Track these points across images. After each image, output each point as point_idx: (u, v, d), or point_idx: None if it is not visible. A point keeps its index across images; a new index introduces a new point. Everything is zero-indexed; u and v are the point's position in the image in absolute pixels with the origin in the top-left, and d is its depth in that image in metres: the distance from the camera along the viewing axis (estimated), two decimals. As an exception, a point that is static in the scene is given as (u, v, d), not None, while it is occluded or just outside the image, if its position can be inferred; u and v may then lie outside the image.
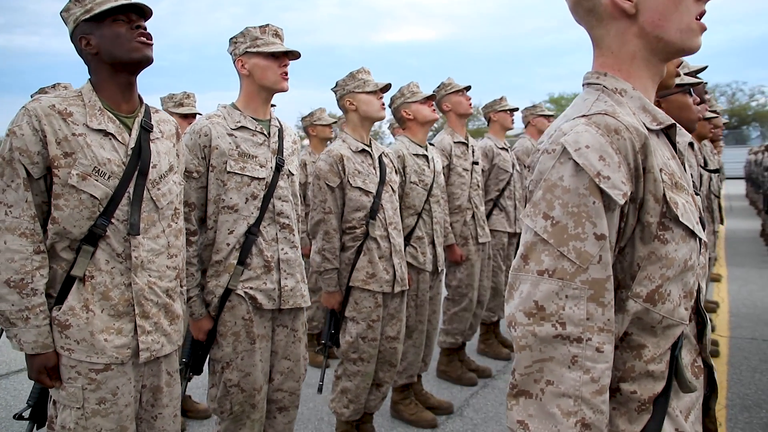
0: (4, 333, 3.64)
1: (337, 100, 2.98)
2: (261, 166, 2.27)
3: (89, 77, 1.79)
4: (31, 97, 3.41)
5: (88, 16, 1.70)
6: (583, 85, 1.20)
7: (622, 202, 0.98)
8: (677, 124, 1.15)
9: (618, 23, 1.12)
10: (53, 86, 3.40)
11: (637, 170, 1.01)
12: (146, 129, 1.81)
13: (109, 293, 1.71)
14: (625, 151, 1.00)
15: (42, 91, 3.38)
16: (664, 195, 1.03)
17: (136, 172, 1.75)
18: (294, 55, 2.30)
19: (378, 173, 2.90)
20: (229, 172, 2.21)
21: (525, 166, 4.98)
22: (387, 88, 2.94)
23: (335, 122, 5.03)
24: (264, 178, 2.27)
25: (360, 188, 2.82)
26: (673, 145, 1.15)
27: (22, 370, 4.39)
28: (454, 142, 3.90)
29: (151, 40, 1.76)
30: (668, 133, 1.13)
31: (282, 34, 2.33)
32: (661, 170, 1.04)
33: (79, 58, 1.81)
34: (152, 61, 1.77)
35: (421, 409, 3.50)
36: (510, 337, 4.68)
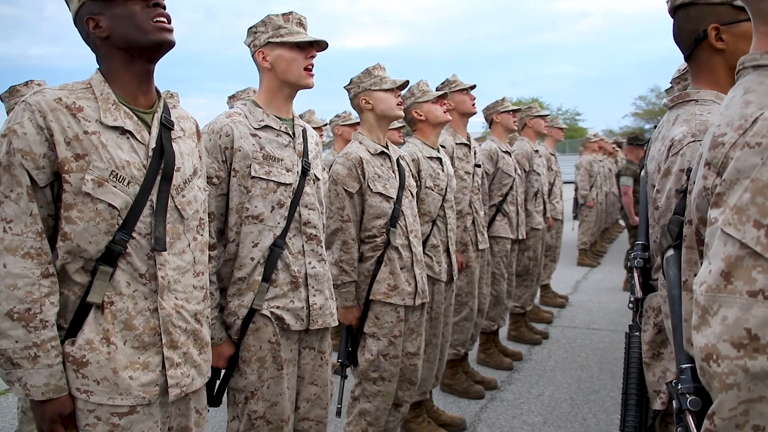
0: None
1: (351, 99, 2.76)
2: (287, 171, 2.02)
3: (98, 67, 1.52)
4: (1, 98, 3.06)
5: None
6: (741, 69, 1.01)
7: None
8: None
9: None
10: (25, 84, 3.06)
11: None
12: (167, 126, 1.55)
13: (132, 321, 1.43)
14: None
15: (13, 89, 3.04)
16: None
17: (159, 177, 1.48)
18: (320, 45, 2.07)
19: (397, 177, 2.68)
20: (253, 177, 1.96)
21: (524, 170, 4.89)
22: (405, 85, 2.73)
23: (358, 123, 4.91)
24: (291, 184, 2.02)
25: (381, 194, 2.60)
26: None
27: None
28: (456, 144, 3.71)
29: (170, 21, 1.50)
30: None
31: (306, 23, 2.09)
32: None
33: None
34: (173, 45, 1.50)
35: (435, 427, 3.30)
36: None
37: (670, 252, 1.25)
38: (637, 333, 1.78)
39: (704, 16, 1.56)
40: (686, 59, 1.68)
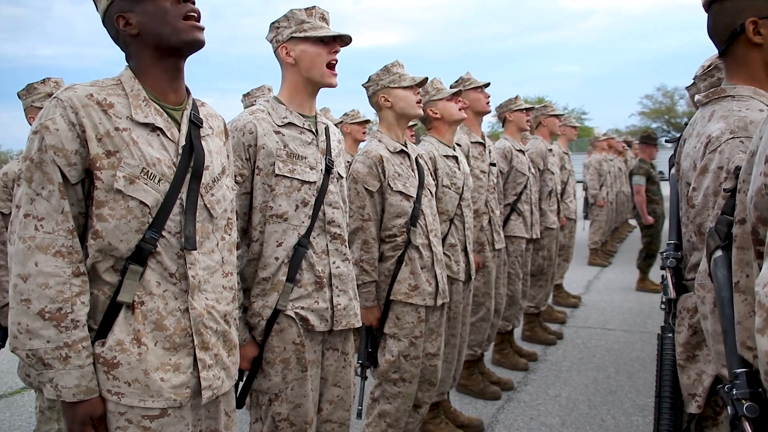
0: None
1: (369, 97, 2.73)
2: (311, 169, 1.99)
3: (127, 63, 1.50)
4: (19, 96, 3.04)
5: None
6: None
7: None
8: None
9: None
10: (43, 81, 3.04)
11: None
12: (196, 124, 1.53)
13: (163, 322, 1.40)
14: None
15: (30, 87, 3.02)
16: None
17: (189, 175, 1.46)
18: (344, 40, 2.04)
19: (417, 176, 2.65)
20: (277, 176, 1.93)
21: (538, 169, 4.85)
22: (424, 82, 2.70)
23: (368, 121, 5.00)
24: (315, 182, 1.99)
25: (401, 192, 2.57)
26: None
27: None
28: (471, 143, 3.68)
29: (200, 17, 1.48)
30: None
31: (328, 18, 2.06)
32: None
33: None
34: (204, 44, 1.48)
35: (453, 428, 3.27)
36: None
37: (719, 253, 1.21)
38: (670, 334, 1.74)
39: (742, 10, 1.53)
40: (721, 54, 1.65)
